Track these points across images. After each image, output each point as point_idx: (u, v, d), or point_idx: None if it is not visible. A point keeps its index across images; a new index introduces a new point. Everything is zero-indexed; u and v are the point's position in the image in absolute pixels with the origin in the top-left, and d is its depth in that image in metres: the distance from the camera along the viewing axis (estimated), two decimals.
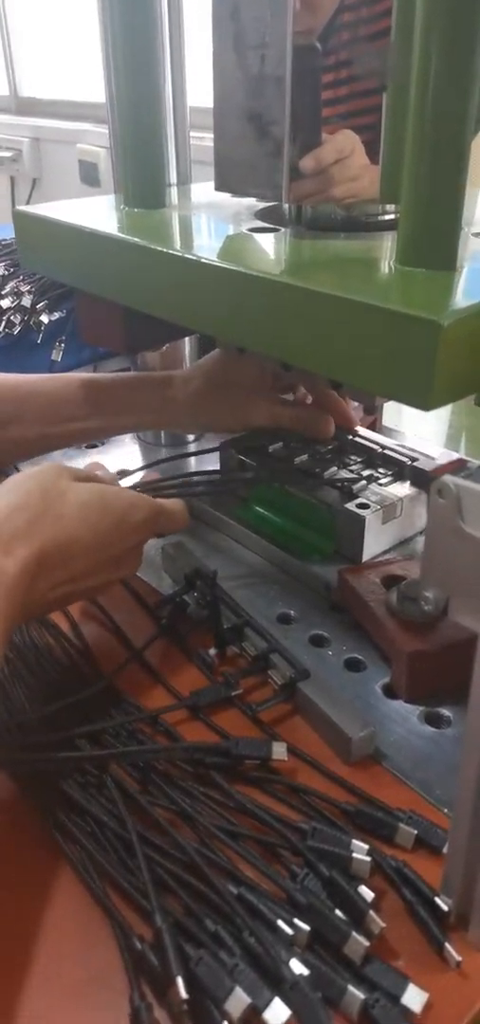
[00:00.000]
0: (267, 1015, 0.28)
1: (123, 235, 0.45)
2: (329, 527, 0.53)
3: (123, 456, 0.74)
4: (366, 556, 0.52)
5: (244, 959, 0.30)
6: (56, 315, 0.81)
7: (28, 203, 3.01)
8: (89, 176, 2.63)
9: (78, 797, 0.37)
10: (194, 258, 0.41)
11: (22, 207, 0.53)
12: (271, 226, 0.46)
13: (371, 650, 0.47)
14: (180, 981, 0.29)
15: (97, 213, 0.52)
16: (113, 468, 0.69)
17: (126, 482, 0.63)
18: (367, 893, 0.32)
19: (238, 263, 0.39)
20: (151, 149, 0.50)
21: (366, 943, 0.30)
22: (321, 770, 0.39)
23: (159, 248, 0.43)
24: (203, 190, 0.59)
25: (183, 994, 0.28)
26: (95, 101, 2.62)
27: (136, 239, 0.44)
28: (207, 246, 0.45)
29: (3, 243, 0.89)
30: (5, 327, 0.78)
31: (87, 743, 0.40)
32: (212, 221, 0.50)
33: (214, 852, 0.34)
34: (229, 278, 0.39)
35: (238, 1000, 0.28)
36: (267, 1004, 0.28)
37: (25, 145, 3.00)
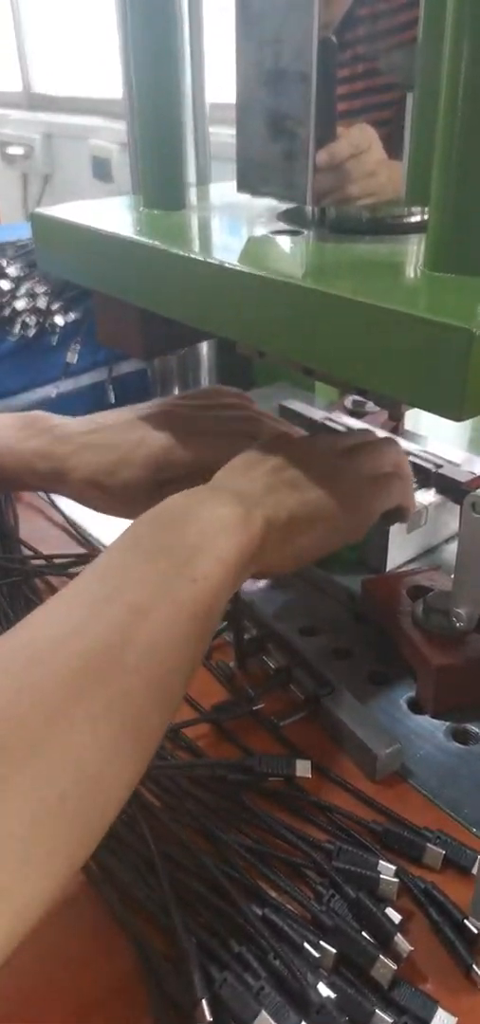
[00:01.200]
0: None
1: (142, 238, 0.45)
2: None
3: None
4: (390, 566, 0.52)
5: (269, 981, 0.29)
6: (71, 316, 0.80)
7: (40, 200, 3.02)
8: (101, 172, 2.64)
9: None
10: (215, 262, 0.40)
11: (40, 209, 0.53)
12: (293, 228, 0.45)
13: (396, 661, 0.46)
14: (205, 1003, 0.28)
15: (116, 215, 0.51)
16: None
17: None
18: (394, 915, 0.32)
19: (260, 267, 0.39)
20: (171, 150, 0.49)
21: (394, 966, 0.30)
22: (346, 787, 0.38)
23: (179, 252, 0.42)
24: (223, 190, 0.58)
25: (208, 1017, 0.28)
26: (107, 97, 2.63)
27: (156, 242, 0.43)
28: (228, 249, 0.45)
29: (18, 244, 0.89)
30: (20, 329, 0.78)
31: None
32: (233, 223, 0.50)
33: (238, 871, 0.34)
34: (251, 282, 0.38)
35: (264, 1023, 0.28)
36: None
37: (37, 142, 3.01)
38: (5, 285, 0.78)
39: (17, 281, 0.79)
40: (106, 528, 0.61)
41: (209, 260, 0.41)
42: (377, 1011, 0.28)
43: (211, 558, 0.32)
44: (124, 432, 0.48)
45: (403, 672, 0.45)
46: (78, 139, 2.73)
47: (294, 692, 0.43)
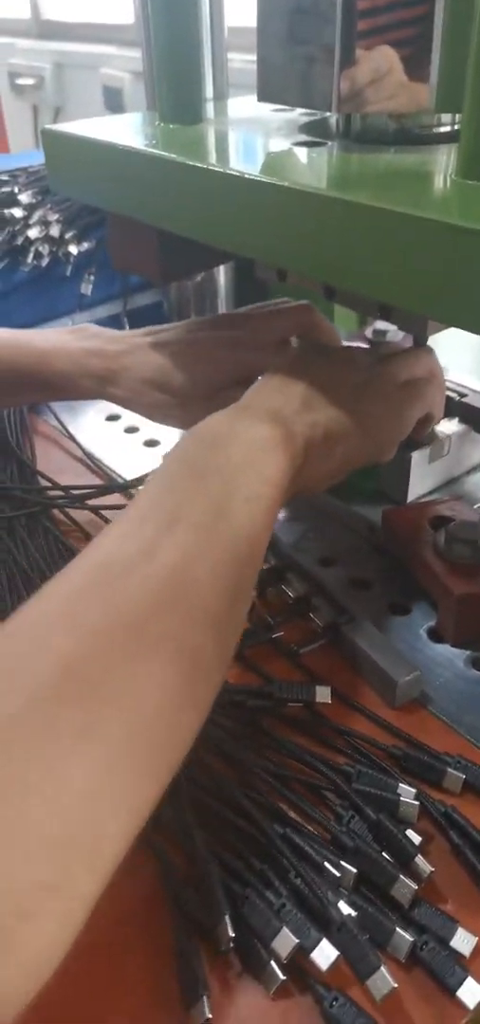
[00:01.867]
0: (315, 955, 0.28)
1: (159, 151, 0.43)
2: (374, 466, 0.51)
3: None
4: (411, 497, 0.51)
5: (290, 899, 0.29)
6: (85, 246, 0.78)
7: None
8: (113, 103, 2.56)
9: None
10: (236, 173, 0.38)
11: (51, 126, 0.51)
12: (317, 140, 0.43)
13: (416, 593, 0.46)
14: (227, 919, 0.29)
15: (131, 130, 0.49)
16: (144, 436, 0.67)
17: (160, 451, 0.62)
18: (415, 837, 0.32)
19: (282, 178, 0.37)
20: (188, 63, 0.47)
21: (414, 886, 0.30)
22: (366, 714, 0.38)
23: (197, 164, 0.40)
24: (242, 104, 0.55)
25: (231, 932, 0.28)
26: (119, 23, 2.53)
27: (173, 155, 0.41)
28: (249, 161, 0.43)
29: (30, 170, 0.86)
30: (33, 258, 0.76)
31: None
32: (253, 135, 0.47)
33: (258, 793, 0.34)
34: (273, 194, 0.37)
35: (285, 940, 0.28)
36: (315, 945, 0.28)
37: (47, 72, 2.91)
38: (17, 213, 0.76)
39: (30, 208, 0.77)
40: (123, 460, 0.60)
41: (229, 171, 0.39)
42: (397, 929, 0.29)
43: (259, 479, 0.32)
44: (183, 336, 0.48)
45: (423, 603, 0.45)
46: (89, 68, 2.64)
47: (313, 621, 0.43)
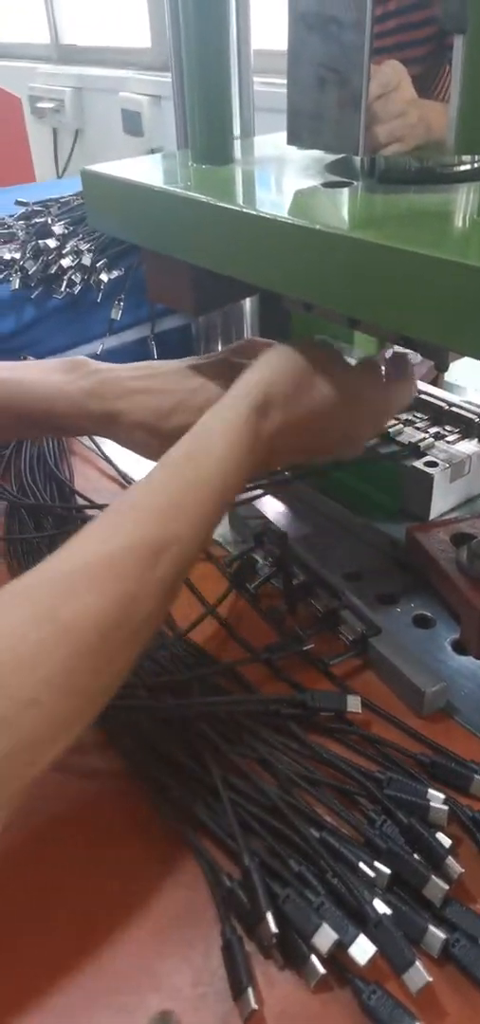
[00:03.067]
0: (353, 951, 0.30)
1: (193, 194, 0.45)
2: (396, 485, 0.53)
3: None
4: (433, 514, 0.52)
5: (328, 898, 0.31)
6: (115, 273, 0.81)
7: (71, 155, 3.00)
8: (132, 126, 2.61)
9: (164, 744, 0.39)
10: (267, 215, 0.41)
11: (90, 167, 0.54)
12: (343, 180, 0.45)
13: (439, 607, 0.47)
14: (270, 916, 0.31)
15: (165, 171, 0.52)
16: None
17: None
18: (445, 840, 0.34)
19: (311, 219, 0.39)
20: (219, 105, 0.49)
21: (445, 886, 0.32)
22: (395, 722, 0.40)
23: (230, 206, 0.43)
24: (269, 143, 0.58)
25: (273, 928, 0.30)
26: (137, 47, 2.58)
27: (206, 197, 0.44)
28: (278, 202, 0.45)
29: (61, 201, 0.90)
30: (66, 287, 0.79)
31: (169, 694, 0.42)
32: (282, 176, 0.50)
33: (294, 797, 0.36)
34: (303, 235, 0.39)
35: (325, 935, 0.30)
36: (353, 940, 0.30)
37: (67, 95, 2.98)
38: (52, 243, 0.79)
39: (63, 239, 0.80)
40: None
41: (261, 213, 0.41)
42: (430, 927, 0.31)
43: (230, 459, 0.38)
44: (180, 379, 0.49)
45: (446, 617, 0.47)
46: (108, 92, 2.69)
47: (342, 634, 0.45)
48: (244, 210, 0.42)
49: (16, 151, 1.97)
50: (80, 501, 0.59)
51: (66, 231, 0.82)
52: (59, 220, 0.83)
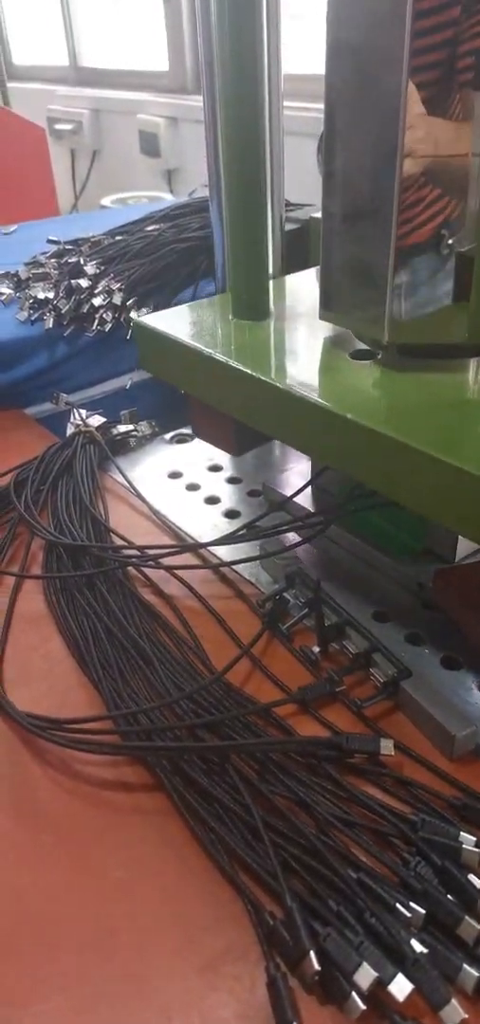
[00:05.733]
0: (392, 988, 0.31)
1: (234, 363, 0.51)
2: (420, 526, 0.55)
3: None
4: (459, 555, 0.54)
5: (367, 937, 0.33)
6: (144, 311, 0.84)
7: (88, 175, 3.06)
8: (149, 147, 2.66)
9: (204, 783, 0.41)
10: (298, 394, 0.46)
11: (141, 319, 0.59)
12: (368, 350, 0.50)
13: (466, 648, 0.49)
14: (313, 955, 0.32)
15: (209, 327, 0.57)
16: (202, 462, 0.73)
17: (220, 508, 0.66)
18: (477, 881, 0.35)
19: (337, 403, 0.44)
20: (258, 264, 0.56)
21: (479, 926, 0.33)
22: (426, 765, 0.42)
23: (266, 379, 0.48)
24: (301, 288, 0.63)
25: (316, 966, 0.32)
26: (155, 70, 2.63)
27: (246, 368, 0.50)
28: (310, 375, 0.50)
29: (92, 240, 0.93)
30: (97, 324, 0.82)
31: (207, 733, 0.44)
32: (313, 340, 0.55)
33: (332, 839, 0.38)
34: (328, 417, 0.44)
35: (366, 973, 0.32)
36: (392, 978, 0.32)
37: (85, 116, 3.05)
38: (84, 283, 0.82)
39: (95, 278, 0.83)
40: (186, 516, 0.65)
41: (293, 391, 0.46)
42: (465, 965, 0.32)
43: None
44: None
45: (474, 658, 0.48)
46: (126, 114, 2.75)
47: (374, 676, 0.47)
48: (278, 385, 0.48)
49: (40, 181, 2.02)
50: (116, 539, 0.61)
51: (97, 271, 0.85)
52: (90, 260, 0.86)
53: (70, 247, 0.93)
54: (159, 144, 2.60)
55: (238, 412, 0.53)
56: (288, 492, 0.63)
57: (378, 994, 0.32)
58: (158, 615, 0.54)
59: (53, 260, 0.91)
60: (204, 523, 0.65)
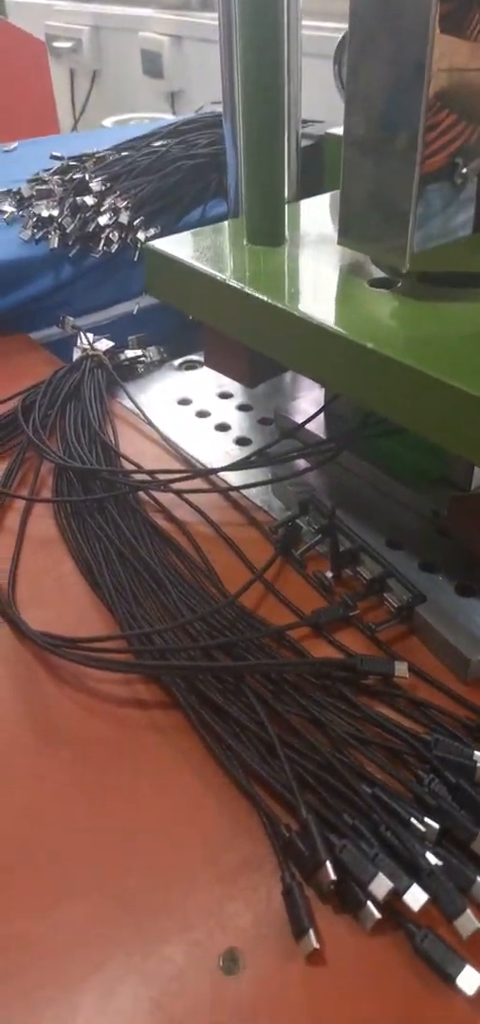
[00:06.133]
0: (407, 898, 0.32)
1: (250, 290, 0.49)
2: (437, 453, 0.54)
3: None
4: (476, 483, 0.53)
5: (382, 850, 0.34)
6: (151, 231, 0.81)
7: (88, 97, 2.94)
8: (152, 67, 2.55)
9: (220, 701, 0.41)
10: (316, 323, 0.44)
11: (151, 243, 0.56)
12: (387, 278, 0.49)
13: None
14: (329, 864, 0.33)
15: (222, 252, 0.55)
16: (212, 389, 0.72)
17: (231, 436, 0.65)
18: None
19: (356, 332, 0.43)
20: (275, 190, 0.53)
21: None
22: (440, 688, 0.42)
23: (282, 306, 0.47)
24: (316, 214, 0.61)
25: (332, 875, 0.33)
26: None
27: (262, 295, 0.48)
28: (327, 302, 0.48)
29: (97, 156, 0.89)
30: (104, 245, 0.79)
31: (221, 654, 0.44)
32: (330, 266, 0.52)
33: (346, 756, 0.38)
34: (348, 347, 0.43)
35: (381, 884, 0.32)
36: (407, 888, 0.32)
37: (85, 34, 2.91)
38: (89, 200, 0.79)
39: (100, 195, 0.80)
40: (196, 443, 0.64)
41: (310, 319, 0.45)
42: (478, 879, 0.33)
43: None
44: None
45: None
46: (127, 31, 2.62)
47: (388, 601, 0.47)
48: (295, 313, 0.46)
49: (39, 97, 1.94)
50: (126, 465, 0.60)
51: (103, 188, 0.81)
52: (96, 177, 0.83)
53: (74, 163, 0.89)
54: (162, 64, 2.48)
55: (253, 341, 0.51)
56: (300, 420, 0.62)
57: (393, 904, 0.32)
58: (170, 540, 0.53)
59: (57, 177, 0.88)
60: (215, 450, 0.64)
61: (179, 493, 0.56)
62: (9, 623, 0.48)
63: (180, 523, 0.56)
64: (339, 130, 0.76)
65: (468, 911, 0.31)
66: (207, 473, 0.58)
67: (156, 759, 0.40)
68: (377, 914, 0.32)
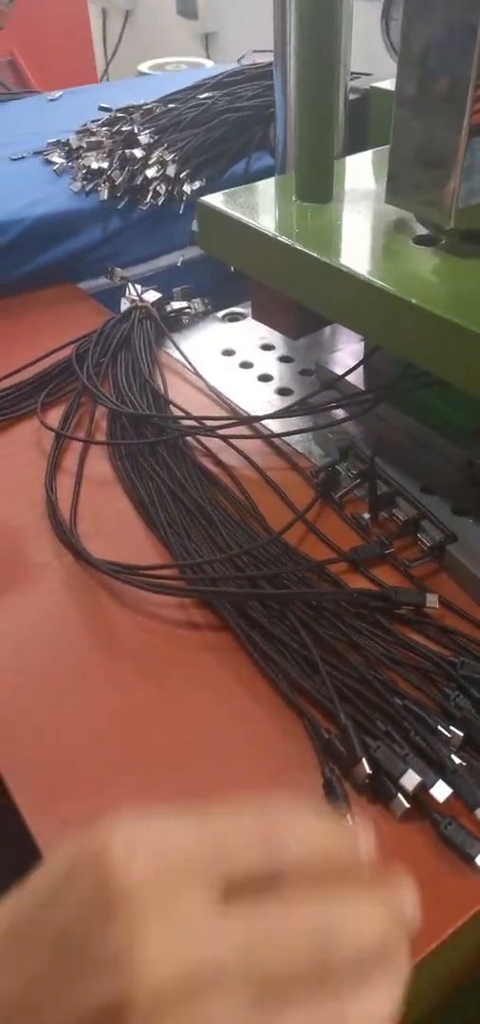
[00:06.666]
0: (433, 791, 0.37)
1: (299, 246, 0.52)
2: (475, 406, 0.57)
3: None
4: None
5: (412, 751, 0.38)
6: (197, 184, 0.84)
7: (120, 39, 2.89)
8: (186, 7, 2.50)
9: (266, 624, 0.46)
10: (362, 278, 0.48)
11: (205, 198, 0.59)
12: (431, 236, 0.51)
13: None
14: (365, 760, 0.38)
15: (272, 208, 0.58)
16: (254, 341, 0.75)
17: (273, 386, 0.68)
18: None
19: (404, 289, 0.46)
20: (325, 149, 0.55)
21: None
22: (467, 618, 0.46)
23: (329, 262, 0.50)
24: (362, 170, 0.63)
25: (367, 769, 0.38)
26: None
27: (311, 251, 0.51)
28: (373, 259, 0.51)
29: (144, 108, 0.91)
30: (151, 198, 0.82)
31: (266, 584, 0.48)
32: (377, 225, 0.55)
33: (381, 674, 0.43)
34: (393, 302, 0.46)
35: (411, 778, 0.37)
36: (434, 783, 0.37)
37: None
38: (138, 153, 0.82)
39: (148, 148, 0.83)
40: (239, 392, 0.68)
41: (357, 274, 0.48)
42: None
43: None
44: None
45: None
46: None
47: (421, 541, 0.51)
48: (342, 269, 0.49)
49: (79, 44, 1.93)
50: (175, 411, 0.65)
51: (151, 140, 0.84)
52: (144, 129, 0.85)
53: (122, 115, 0.92)
54: (196, 5, 2.44)
55: (300, 295, 0.54)
56: (340, 371, 0.65)
57: (420, 797, 0.37)
58: (217, 481, 0.58)
59: (105, 129, 0.90)
60: (257, 399, 0.68)
61: (225, 439, 0.60)
62: (73, 552, 0.53)
63: (226, 467, 0.60)
64: (385, 84, 0.78)
65: None
66: (252, 420, 0.62)
67: (210, 673, 0.45)
68: (406, 804, 0.37)
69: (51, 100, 1.20)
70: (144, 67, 2.13)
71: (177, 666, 0.46)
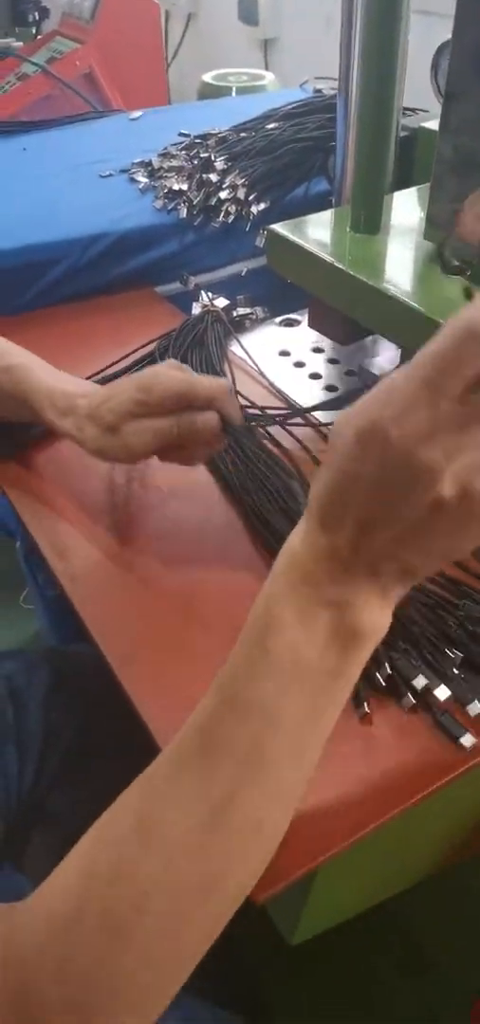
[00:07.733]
0: (437, 692, 0.49)
1: (351, 272, 0.64)
2: None
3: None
4: None
5: (423, 663, 0.51)
6: (262, 206, 0.97)
7: (181, 42, 3.01)
8: (248, 14, 2.62)
9: None
10: (401, 300, 0.60)
11: (274, 226, 0.72)
12: (462, 267, 0.63)
13: None
14: (387, 666, 0.51)
15: (329, 236, 0.72)
16: (307, 344, 0.87)
17: (321, 384, 0.81)
18: None
19: (434, 310, 0.57)
20: (378, 186, 0.68)
21: None
22: (469, 571, 0.58)
23: (376, 286, 0.62)
24: (406, 206, 0.75)
25: (388, 670, 0.50)
26: None
27: (359, 275, 0.63)
28: (412, 285, 0.63)
29: (219, 136, 1.05)
30: (223, 216, 0.95)
31: None
32: (417, 256, 0.67)
33: (406, 609, 0.55)
34: (425, 321, 0.58)
35: (420, 680, 0.50)
36: (437, 685, 0.50)
37: None
38: (213, 177, 0.95)
39: (222, 173, 0.96)
40: (293, 387, 0.81)
41: (399, 298, 0.60)
42: None
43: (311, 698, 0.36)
44: (119, 414, 0.60)
45: None
46: None
47: None
48: (386, 292, 0.62)
49: (151, 63, 2.07)
50: (243, 403, 0.78)
51: (225, 166, 0.97)
52: (219, 156, 0.98)
53: (199, 140, 1.05)
54: (258, 11, 2.55)
55: (351, 310, 0.67)
56: (378, 373, 0.77)
57: (426, 697, 0.50)
58: (277, 460, 0.71)
59: (183, 152, 1.03)
60: (309, 394, 0.80)
61: (282, 425, 0.73)
62: None
63: (283, 448, 0.73)
64: (431, 124, 0.89)
65: (476, 701, 0.49)
66: (304, 411, 0.75)
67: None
68: (413, 700, 0.50)
69: (132, 119, 1.34)
70: (208, 77, 2.26)
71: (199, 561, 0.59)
